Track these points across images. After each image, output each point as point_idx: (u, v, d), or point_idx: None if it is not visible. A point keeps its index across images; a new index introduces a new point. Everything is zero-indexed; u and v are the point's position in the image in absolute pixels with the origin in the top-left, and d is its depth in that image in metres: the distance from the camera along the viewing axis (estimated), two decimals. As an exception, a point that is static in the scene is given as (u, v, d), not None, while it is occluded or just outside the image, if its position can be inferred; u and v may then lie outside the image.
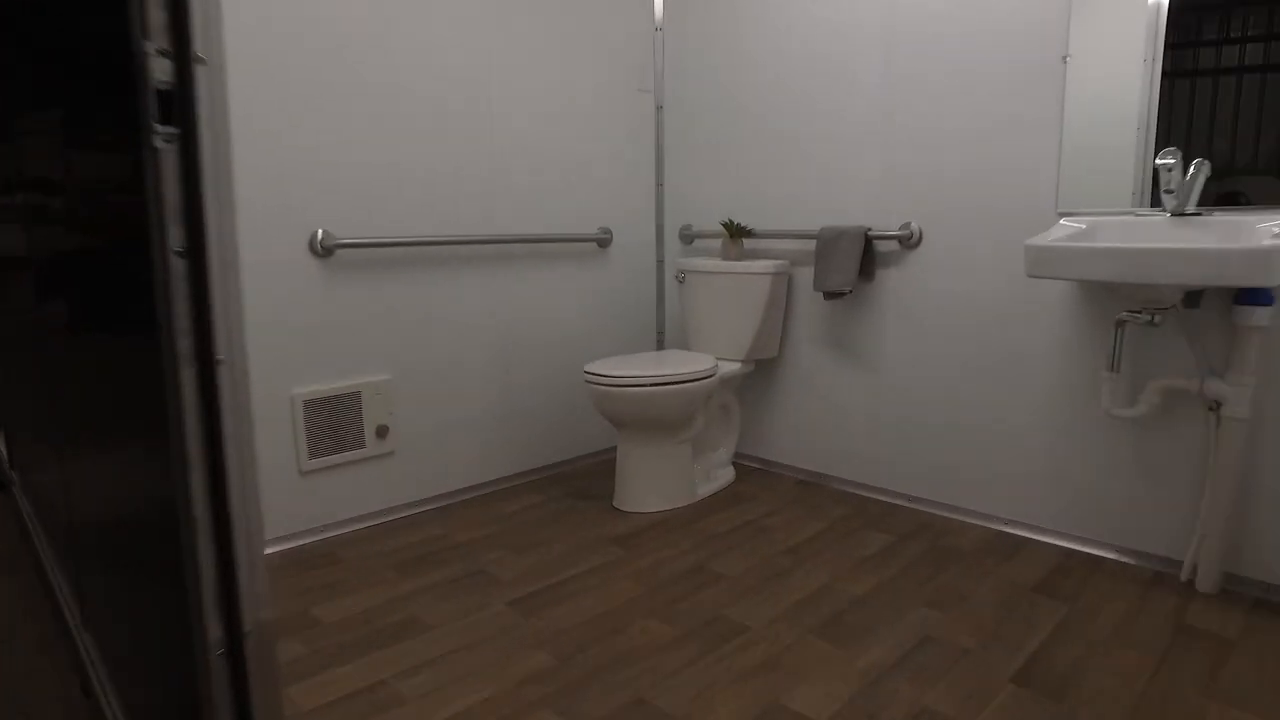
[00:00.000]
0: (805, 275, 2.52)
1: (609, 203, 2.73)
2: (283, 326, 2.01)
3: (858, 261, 2.27)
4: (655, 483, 2.33)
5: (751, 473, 2.68)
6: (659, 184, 2.89)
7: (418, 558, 2.01)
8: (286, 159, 1.96)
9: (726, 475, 2.58)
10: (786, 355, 2.61)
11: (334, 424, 2.12)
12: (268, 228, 1.95)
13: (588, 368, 2.25)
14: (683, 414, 2.28)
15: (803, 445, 2.61)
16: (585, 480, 2.61)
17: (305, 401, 2.06)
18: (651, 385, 2.18)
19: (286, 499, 2.07)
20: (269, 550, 2.04)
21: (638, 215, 2.84)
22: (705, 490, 2.45)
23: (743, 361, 2.54)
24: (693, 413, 2.31)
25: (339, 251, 2.09)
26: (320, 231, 2.04)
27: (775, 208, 2.56)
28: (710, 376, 2.30)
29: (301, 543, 2.10)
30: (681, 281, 2.61)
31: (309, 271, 2.04)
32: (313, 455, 2.10)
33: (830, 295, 2.35)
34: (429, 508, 2.36)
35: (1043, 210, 1.98)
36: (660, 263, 2.93)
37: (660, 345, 3.02)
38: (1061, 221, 1.88)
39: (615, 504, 2.37)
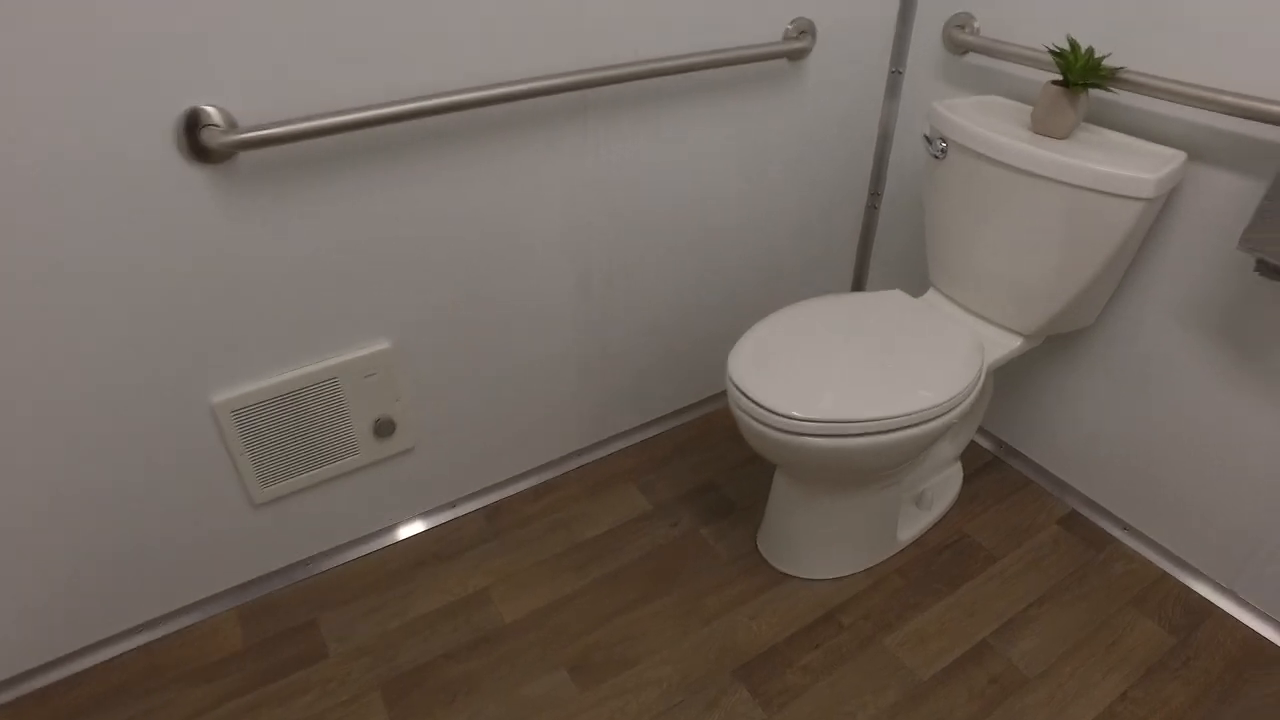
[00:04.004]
0: (1207, 183, 1.21)
1: (817, -35, 1.38)
2: (167, 293, 1.06)
3: (1393, 230, 0.97)
4: (829, 542, 1.39)
5: (986, 471, 1.65)
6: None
7: (425, 667, 1.26)
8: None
9: (948, 489, 1.57)
10: (1108, 325, 1.40)
11: (297, 431, 1.26)
12: (88, 103, 0.91)
13: (734, 372, 1.20)
14: (899, 463, 1.24)
15: (1093, 463, 1.51)
16: (716, 458, 1.68)
17: (237, 412, 1.19)
18: (853, 436, 1.14)
19: (237, 542, 1.31)
20: (207, 614, 1.33)
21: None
22: (910, 532, 1.48)
23: (1028, 337, 1.38)
24: (917, 456, 1.27)
25: (242, 156, 1.03)
26: (209, 111, 0.97)
27: (1182, 24, 1.16)
28: (963, 403, 1.21)
29: (264, 592, 1.38)
30: (938, 155, 1.35)
31: (187, 189, 1.02)
32: (269, 481, 1.28)
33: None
34: (472, 508, 1.55)
35: None
36: (897, 75, 1.59)
37: (862, 271, 1.81)
38: None
39: (760, 548, 1.47)
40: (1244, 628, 1.34)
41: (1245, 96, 1.09)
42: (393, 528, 1.48)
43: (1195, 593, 1.40)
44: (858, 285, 1.88)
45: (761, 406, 1.14)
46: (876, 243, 1.79)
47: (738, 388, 1.18)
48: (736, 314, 1.70)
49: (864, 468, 1.21)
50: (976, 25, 1.41)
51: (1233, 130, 1.15)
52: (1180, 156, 1.18)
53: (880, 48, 1.54)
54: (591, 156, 1.31)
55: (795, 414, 1.13)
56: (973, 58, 1.45)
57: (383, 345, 1.28)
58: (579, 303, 1.45)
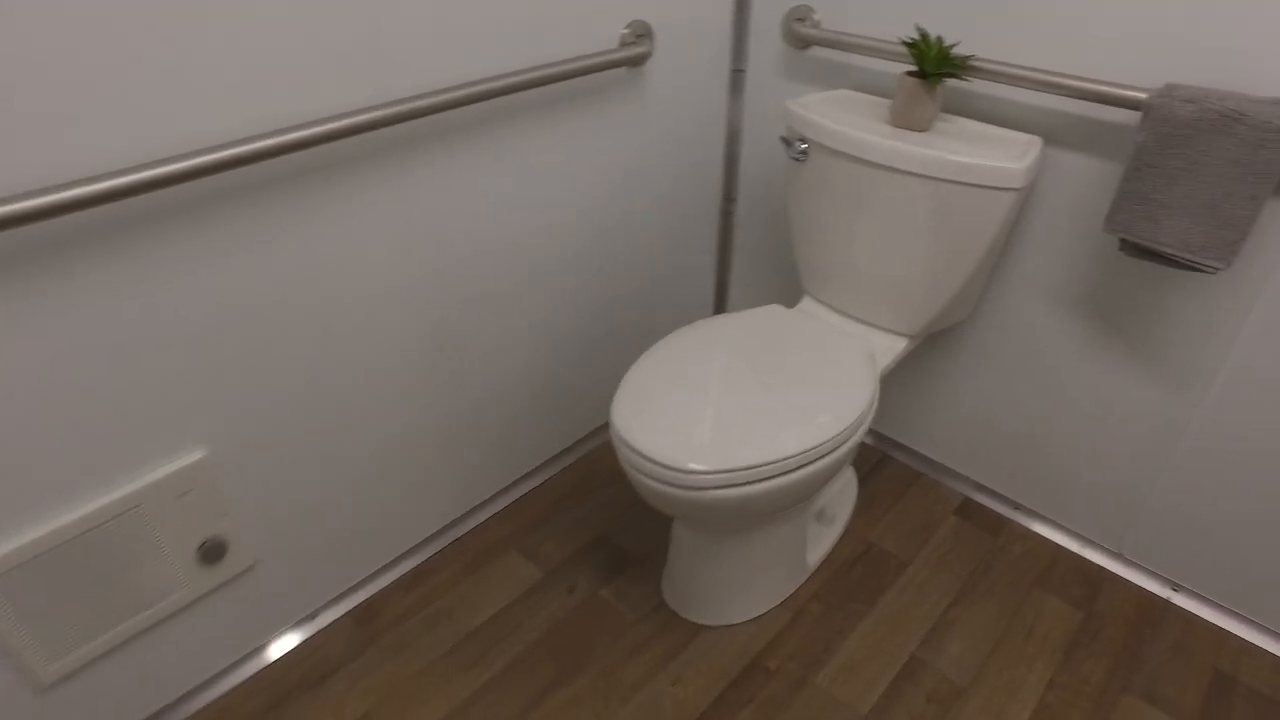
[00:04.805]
0: (1066, 167, 1.20)
1: (646, -38, 1.26)
2: None
3: (1258, 203, 0.98)
4: (740, 583, 1.29)
5: (877, 470, 1.62)
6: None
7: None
8: None
9: (846, 498, 1.52)
10: (984, 313, 1.38)
11: (92, 582, 0.99)
12: None
13: (620, 429, 1.07)
14: (810, 495, 1.16)
15: (979, 447, 1.51)
16: (602, 506, 1.54)
17: (6, 575, 0.91)
18: (761, 480, 1.03)
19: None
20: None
21: (701, -18, 1.36)
22: (818, 553, 1.42)
23: (912, 337, 1.34)
24: (827, 484, 1.19)
25: (-44, 254, 0.77)
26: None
27: (1021, 18, 1.14)
28: (866, 421, 1.14)
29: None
30: (799, 157, 1.27)
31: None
32: (58, 655, 1.01)
33: (1151, 256, 1.09)
34: (336, 615, 1.32)
35: None
36: (740, 74, 1.51)
37: (724, 282, 1.73)
38: None
39: (667, 600, 1.35)
40: (1135, 588, 1.38)
41: (1092, 80, 1.08)
42: (241, 662, 1.23)
43: (1090, 562, 1.43)
44: (720, 297, 1.79)
45: (657, 464, 1.02)
46: (736, 252, 1.71)
47: (628, 445, 1.04)
48: (598, 346, 1.56)
49: (774, 509, 1.11)
50: (817, 18, 1.35)
51: (1084, 114, 1.15)
52: (1038, 142, 1.16)
53: (720, 47, 1.44)
54: (416, 198, 1.12)
55: (694, 466, 1.01)
56: (817, 51, 1.38)
57: (197, 455, 1.03)
58: (425, 363, 1.25)
